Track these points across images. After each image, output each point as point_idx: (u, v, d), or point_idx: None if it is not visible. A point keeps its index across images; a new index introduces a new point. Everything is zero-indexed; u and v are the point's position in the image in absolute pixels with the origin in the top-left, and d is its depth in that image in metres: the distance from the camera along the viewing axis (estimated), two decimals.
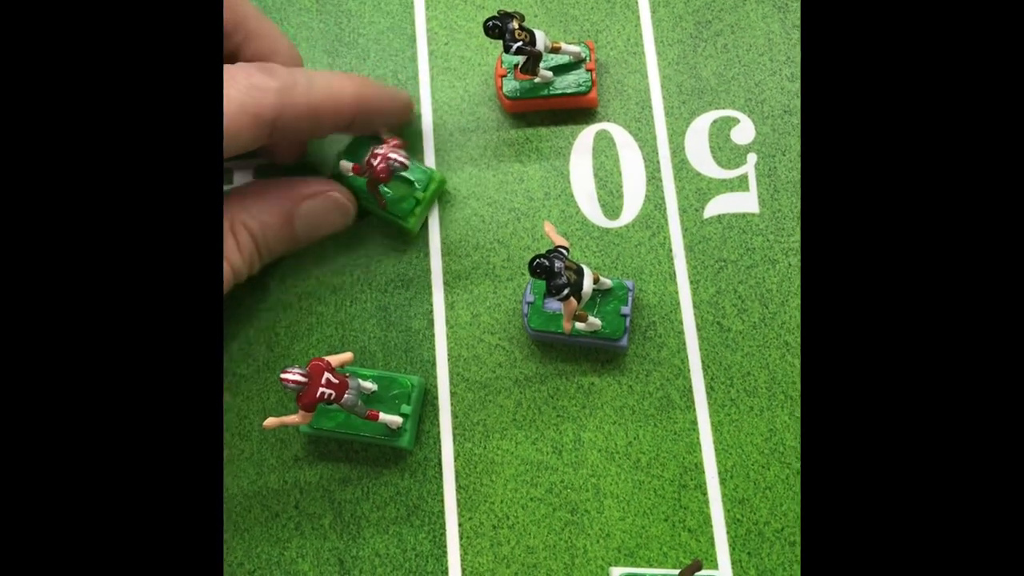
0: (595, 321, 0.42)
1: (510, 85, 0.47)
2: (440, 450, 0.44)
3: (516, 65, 0.46)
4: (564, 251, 0.39)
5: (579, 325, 0.42)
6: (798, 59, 0.48)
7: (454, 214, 0.47)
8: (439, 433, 0.44)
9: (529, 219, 0.47)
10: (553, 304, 0.43)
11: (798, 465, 0.42)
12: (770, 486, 0.42)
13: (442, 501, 0.43)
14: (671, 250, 0.45)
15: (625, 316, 0.43)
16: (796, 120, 0.47)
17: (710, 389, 0.43)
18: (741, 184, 0.46)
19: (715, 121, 0.47)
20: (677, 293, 0.45)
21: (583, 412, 0.43)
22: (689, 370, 0.44)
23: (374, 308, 0.46)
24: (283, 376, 0.37)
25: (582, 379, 0.44)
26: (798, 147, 0.46)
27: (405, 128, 0.48)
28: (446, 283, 0.46)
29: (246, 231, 0.42)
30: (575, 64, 0.47)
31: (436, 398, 0.44)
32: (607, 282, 0.43)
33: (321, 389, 0.38)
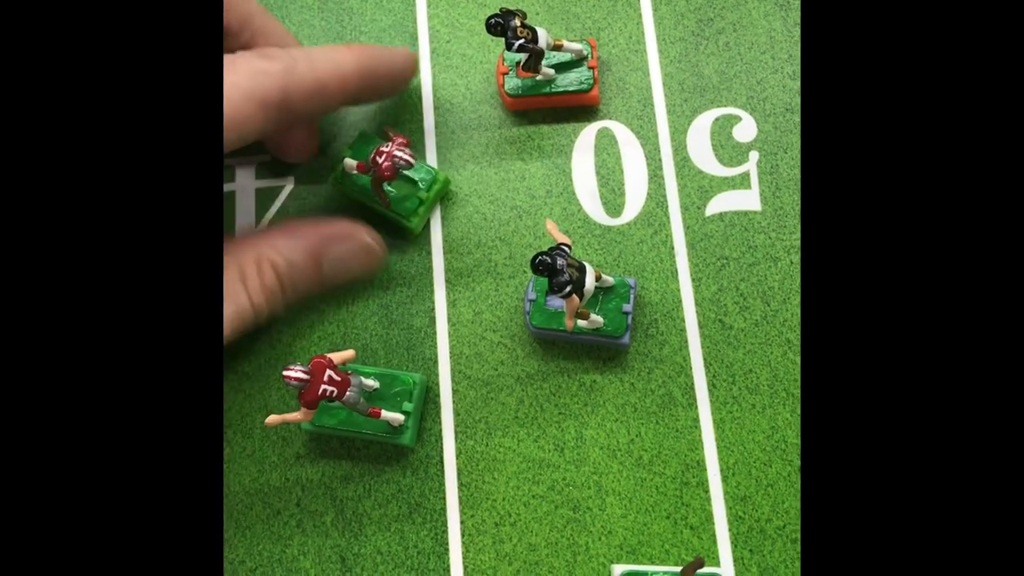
0: (597, 319, 0.42)
1: (512, 83, 0.47)
2: (442, 447, 0.44)
3: (518, 63, 0.46)
4: (566, 249, 0.39)
5: (581, 323, 0.42)
6: (800, 57, 0.48)
7: (456, 212, 0.47)
8: (441, 430, 0.44)
9: (531, 217, 0.47)
10: (555, 302, 0.43)
11: (800, 462, 0.42)
12: (772, 483, 0.42)
13: (444, 498, 0.43)
14: (673, 248, 0.45)
15: (627, 314, 0.43)
16: (798, 118, 0.47)
17: (712, 387, 0.43)
18: (743, 182, 0.46)
19: (717, 119, 0.47)
20: (679, 291, 0.45)
21: (585, 409, 0.43)
22: (691, 367, 0.44)
23: (376, 306, 0.46)
24: (285, 373, 0.37)
25: (584, 377, 0.44)
26: (800, 145, 0.46)
27: (408, 124, 0.49)
28: (448, 280, 0.46)
29: (272, 270, 0.41)
30: (577, 62, 0.47)
31: (438, 395, 0.44)
32: (609, 280, 0.43)
33: (323, 386, 0.38)
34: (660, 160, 0.47)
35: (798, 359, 0.43)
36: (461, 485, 0.43)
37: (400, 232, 0.47)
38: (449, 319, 0.46)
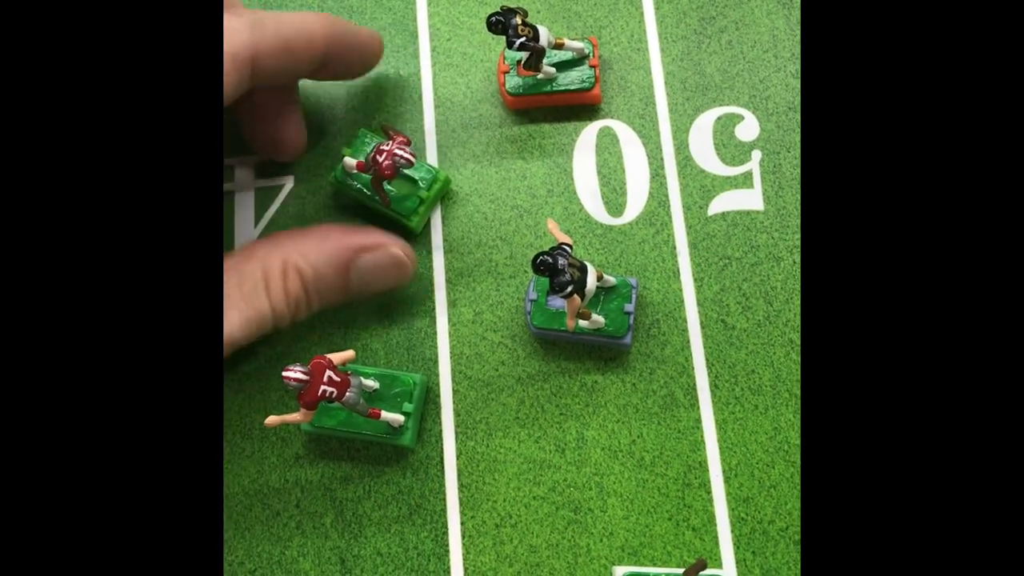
0: (598, 319, 0.42)
1: (513, 81, 0.47)
2: (442, 448, 0.44)
3: (519, 61, 0.46)
4: (568, 248, 0.39)
5: (582, 323, 0.42)
6: (801, 56, 0.47)
7: (456, 211, 0.47)
8: (441, 431, 0.44)
9: (532, 216, 0.46)
10: (556, 302, 0.43)
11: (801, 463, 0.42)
12: (774, 484, 0.42)
13: (444, 500, 0.43)
14: (675, 247, 0.45)
15: (629, 314, 0.42)
16: (800, 116, 0.47)
17: (714, 387, 0.43)
18: (745, 181, 0.46)
19: (719, 118, 0.47)
20: (681, 291, 0.45)
21: (586, 410, 0.43)
22: (693, 368, 0.43)
23: (376, 305, 0.46)
24: (285, 374, 0.37)
25: (585, 377, 0.44)
26: (800, 144, 0.46)
27: (408, 122, 0.48)
28: (448, 280, 0.46)
29: (298, 276, 0.40)
30: (578, 60, 0.47)
31: (438, 396, 0.44)
32: (611, 279, 0.42)
33: (323, 387, 0.38)
34: (662, 159, 0.47)
35: (800, 359, 0.43)
36: (461, 486, 0.43)
37: (400, 231, 0.47)
38: (449, 319, 0.45)
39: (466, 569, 0.42)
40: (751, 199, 0.46)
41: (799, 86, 0.47)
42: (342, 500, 0.43)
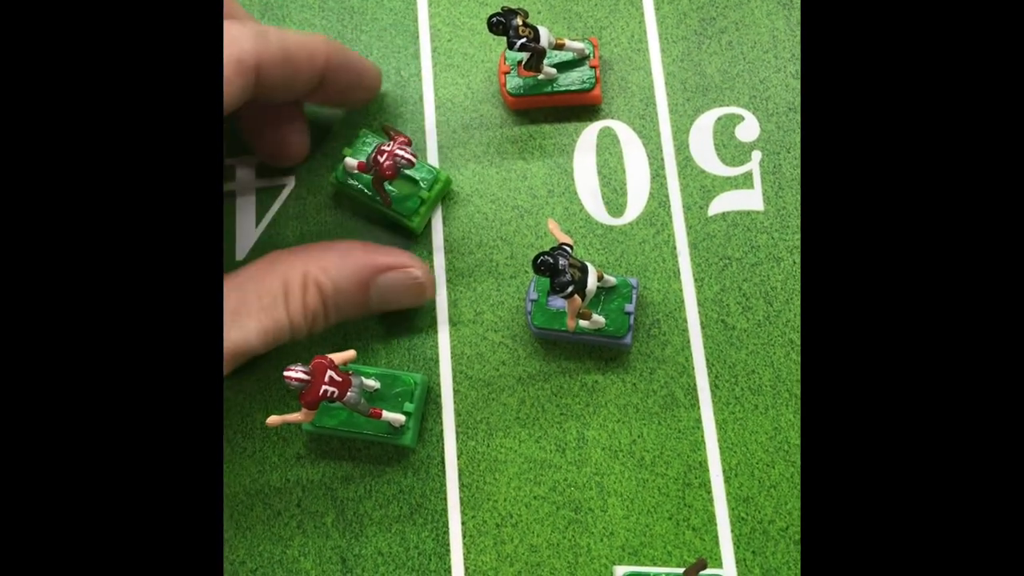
0: (599, 319, 0.42)
1: (513, 82, 0.47)
2: (443, 448, 0.44)
3: (520, 62, 0.46)
4: (568, 249, 0.39)
5: (583, 323, 0.42)
6: (801, 56, 0.47)
7: (457, 211, 0.47)
8: (442, 431, 0.44)
9: (533, 216, 0.47)
10: (557, 302, 0.43)
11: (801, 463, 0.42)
12: (775, 484, 0.42)
13: (445, 499, 0.43)
14: (675, 247, 0.45)
15: (629, 314, 0.42)
16: (800, 117, 0.47)
17: (714, 387, 0.43)
18: (745, 181, 0.46)
19: (719, 118, 0.47)
20: (681, 291, 0.45)
21: (587, 410, 0.43)
22: (693, 368, 0.43)
23: None
24: (286, 374, 0.37)
25: (586, 377, 0.44)
26: (800, 144, 0.46)
27: (409, 123, 0.48)
28: (449, 280, 0.46)
29: (318, 290, 0.41)
30: (579, 61, 0.47)
31: (439, 396, 0.44)
32: (611, 280, 0.43)
33: (324, 387, 0.38)
34: (662, 160, 0.47)
35: (800, 360, 0.43)
36: (462, 486, 0.43)
37: (401, 232, 0.47)
38: (450, 319, 0.45)
39: (467, 568, 0.42)
40: (751, 199, 0.46)
41: (799, 87, 0.47)
42: (343, 499, 0.43)
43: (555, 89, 0.47)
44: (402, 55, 0.50)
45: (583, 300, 0.39)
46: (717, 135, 0.47)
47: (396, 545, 0.42)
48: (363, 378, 0.41)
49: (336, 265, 0.41)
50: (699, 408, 0.43)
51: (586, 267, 0.39)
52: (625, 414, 0.43)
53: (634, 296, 0.43)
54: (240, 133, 0.48)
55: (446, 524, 0.42)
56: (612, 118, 0.48)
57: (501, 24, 0.43)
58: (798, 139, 0.46)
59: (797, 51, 0.48)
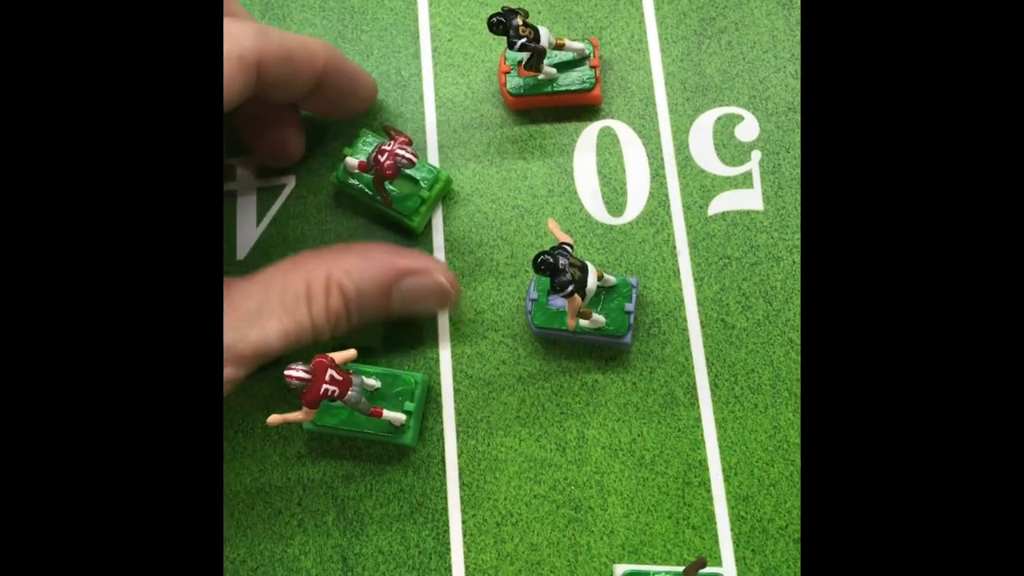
0: (599, 318, 0.42)
1: (514, 82, 0.47)
2: (443, 447, 0.44)
3: (520, 62, 0.46)
4: (568, 248, 0.39)
5: (583, 322, 0.42)
6: (801, 56, 0.47)
7: (458, 211, 0.47)
8: (442, 430, 0.44)
9: (533, 216, 0.47)
10: (557, 301, 0.43)
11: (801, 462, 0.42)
12: (774, 483, 0.42)
13: (445, 498, 0.43)
14: (675, 247, 0.45)
15: (629, 313, 0.43)
16: (800, 117, 0.47)
17: (714, 386, 0.43)
18: (745, 181, 0.46)
19: (719, 118, 0.47)
20: (681, 290, 0.45)
21: (587, 409, 0.43)
22: (693, 367, 0.43)
23: None
24: (287, 372, 0.37)
25: (586, 376, 0.44)
26: (800, 144, 0.46)
27: (409, 122, 0.48)
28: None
29: (340, 293, 0.40)
30: (579, 61, 0.47)
31: (439, 395, 0.44)
32: (611, 279, 0.43)
33: (324, 386, 0.38)
34: (662, 159, 0.47)
35: (800, 359, 0.43)
36: (463, 485, 0.43)
37: (402, 231, 0.47)
38: (450, 318, 0.45)
39: (467, 567, 0.42)
40: (751, 199, 0.46)
41: (799, 86, 0.47)
42: (344, 498, 0.43)
43: (555, 89, 0.47)
44: (402, 55, 0.50)
45: (583, 299, 0.39)
46: (717, 135, 0.47)
47: (397, 544, 0.42)
48: (364, 377, 0.41)
49: (359, 268, 0.41)
50: (699, 407, 0.43)
51: (586, 266, 0.39)
52: (625, 413, 0.43)
53: (634, 295, 0.43)
54: (236, 133, 0.48)
55: (446, 523, 0.43)
56: (612, 118, 0.48)
57: (501, 24, 0.43)
58: (798, 139, 0.46)
59: (796, 51, 0.48)
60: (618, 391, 0.43)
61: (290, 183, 0.49)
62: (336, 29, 0.51)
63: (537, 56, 0.45)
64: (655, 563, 0.41)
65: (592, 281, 0.39)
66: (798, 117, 0.47)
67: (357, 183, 0.46)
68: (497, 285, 0.46)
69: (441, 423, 0.44)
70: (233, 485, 0.44)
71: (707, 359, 0.44)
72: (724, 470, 0.42)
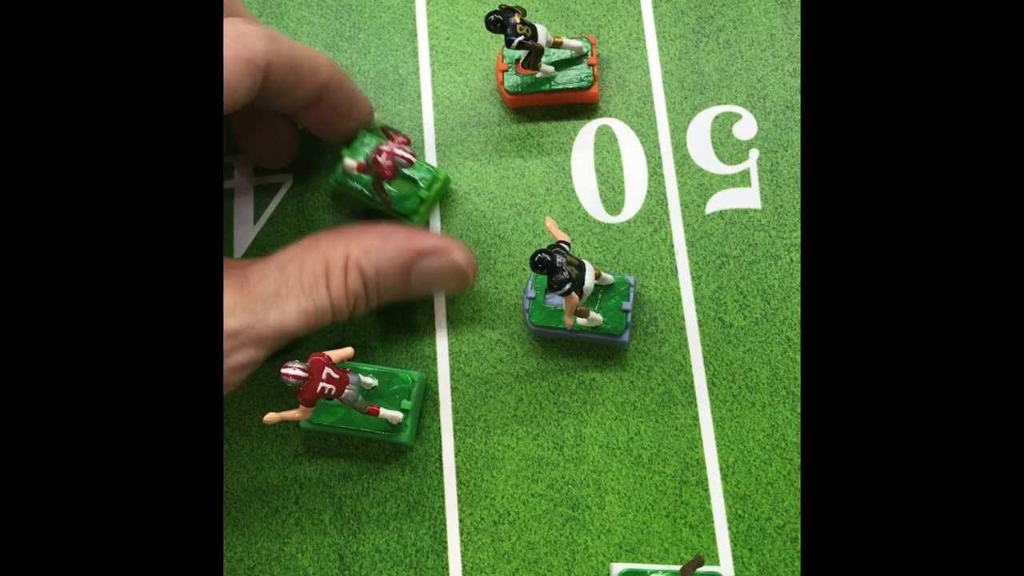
0: (596, 317, 0.42)
1: (511, 80, 0.47)
2: (441, 446, 0.44)
3: (517, 60, 0.46)
4: (566, 246, 0.39)
5: (580, 320, 0.42)
6: (800, 54, 0.47)
7: (455, 209, 0.47)
8: (440, 429, 0.44)
9: (530, 214, 0.47)
10: (554, 299, 0.43)
11: (800, 461, 0.42)
12: (772, 482, 0.42)
13: (443, 497, 0.43)
14: (673, 246, 0.45)
15: (626, 312, 0.43)
16: (798, 116, 0.47)
17: (712, 385, 0.43)
18: (743, 180, 0.46)
19: (717, 116, 0.47)
20: (679, 289, 0.45)
21: (584, 408, 0.43)
22: (691, 366, 0.43)
23: None
24: (283, 371, 0.37)
25: (583, 375, 0.44)
26: (800, 143, 0.46)
27: (407, 121, 0.48)
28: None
29: (359, 274, 0.41)
30: (577, 59, 0.47)
31: (437, 393, 0.44)
32: (609, 277, 0.43)
33: (321, 384, 0.38)
34: (660, 158, 0.47)
35: (798, 357, 0.43)
36: (460, 483, 0.43)
37: None
38: (448, 317, 0.45)
39: (464, 566, 0.42)
40: (748, 197, 0.46)
41: (797, 85, 0.47)
42: (341, 497, 0.43)
43: (553, 87, 0.47)
44: (400, 53, 0.50)
45: (581, 298, 0.39)
46: (715, 133, 0.47)
47: (394, 542, 0.42)
48: (361, 375, 0.41)
49: (377, 248, 0.41)
50: (696, 406, 0.43)
51: (583, 265, 0.39)
52: (623, 412, 0.43)
53: (631, 294, 0.43)
54: (230, 132, 0.48)
55: (444, 521, 0.43)
56: (610, 116, 0.48)
57: (499, 22, 0.43)
58: (795, 137, 0.46)
59: (794, 49, 0.48)
60: (616, 390, 0.43)
61: (287, 182, 0.49)
62: (334, 27, 0.51)
63: (535, 54, 0.45)
64: (652, 562, 0.41)
65: (589, 279, 0.39)
66: (796, 115, 0.47)
67: (356, 184, 0.45)
68: (495, 283, 0.46)
69: (438, 421, 0.44)
70: (231, 483, 0.44)
71: (705, 358, 0.44)
72: (722, 469, 0.42)
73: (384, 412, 0.41)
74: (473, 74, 0.49)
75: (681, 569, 0.39)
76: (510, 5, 0.44)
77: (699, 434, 0.43)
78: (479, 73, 0.49)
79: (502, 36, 0.44)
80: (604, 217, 0.46)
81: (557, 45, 0.45)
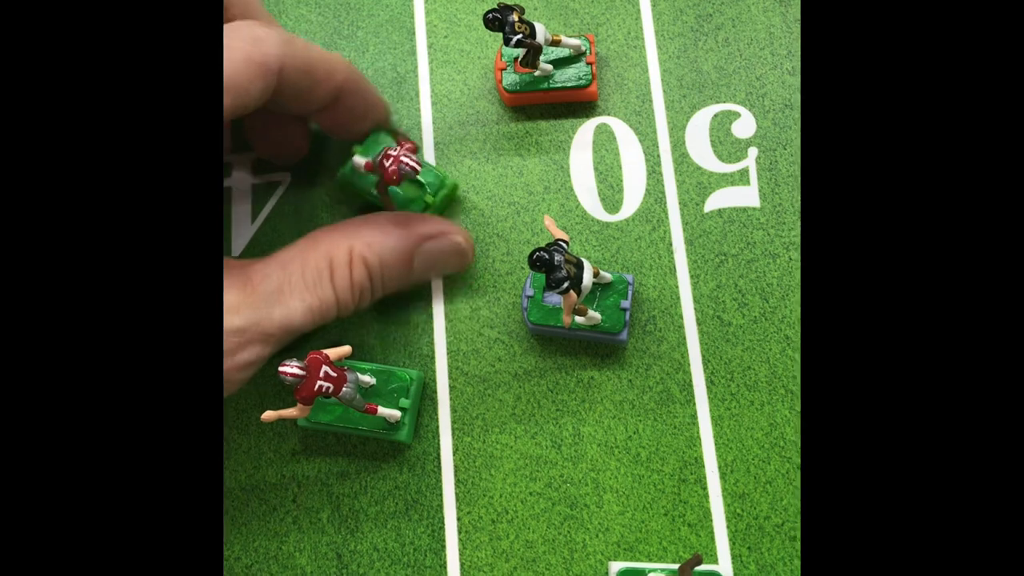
0: (595, 315, 0.42)
1: (510, 78, 0.47)
2: (439, 444, 0.44)
3: (516, 58, 0.46)
4: (564, 245, 0.39)
5: (579, 319, 0.42)
6: (799, 53, 0.47)
7: (454, 208, 0.47)
8: (438, 427, 0.44)
9: (529, 213, 0.47)
10: (553, 298, 0.43)
11: (799, 459, 0.42)
12: (770, 480, 0.42)
13: (441, 495, 0.43)
14: (671, 244, 0.45)
15: (625, 310, 0.42)
16: (797, 114, 0.47)
17: (710, 383, 0.43)
18: (742, 178, 0.46)
19: (716, 115, 0.47)
20: (677, 287, 0.45)
21: (582, 406, 0.43)
22: (689, 364, 0.43)
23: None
24: (281, 369, 0.37)
25: (582, 373, 0.44)
26: (799, 141, 0.46)
27: (406, 119, 0.48)
28: (445, 276, 0.46)
29: (364, 266, 0.41)
30: (575, 57, 0.47)
31: (435, 392, 0.44)
32: (607, 276, 0.43)
33: (319, 382, 0.38)
34: (658, 156, 0.47)
35: (796, 356, 0.43)
36: (458, 482, 0.43)
37: None
38: (446, 315, 0.45)
39: (462, 564, 0.42)
40: (747, 196, 0.46)
41: (795, 83, 0.47)
42: (339, 495, 0.43)
43: (551, 86, 0.47)
44: (398, 51, 0.50)
45: (579, 296, 0.39)
46: (713, 132, 0.47)
47: (392, 541, 0.42)
48: (359, 374, 0.41)
49: (379, 239, 0.42)
50: (695, 404, 0.43)
51: (582, 263, 0.39)
52: (621, 410, 0.43)
53: (630, 292, 0.43)
54: (242, 128, 0.48)
55: (442, 520, 0.42)
56: (608, 115, 0.48)
57: (497, 20, 0.43)
58: (794, 136, 0.46)
59: (793, 48, 0.48)
60: (614, 388, 0.43)
61: (285, 180, 0.49)
62: (332, 25, 0.51)
63: (533, 52, 0.44)
64: (651, 560, 0.41)
65: (588, 278, 0.39)
66: (794, 114, 0.47)
67: (363, 182, 0.45)
68: (493, 282, 0.46)
69: (436, 420, 0.44)
70: (228, 482, 0.44)
71: (703, 356, 0.44)
72: (720, 467, 0.42)
73: (382, 410, 0.41)
74: (471, 72, 0.49)
75: (679, 568, 0.39)
76: (508, 3, 0.44)
77: (697, 432, 0.43)
78: (477, 71, 0.49)
79: (500, 34, 0.44)
80: (602, 215, 0.46)
81: (555, 43, 0.45)
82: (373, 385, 0.42)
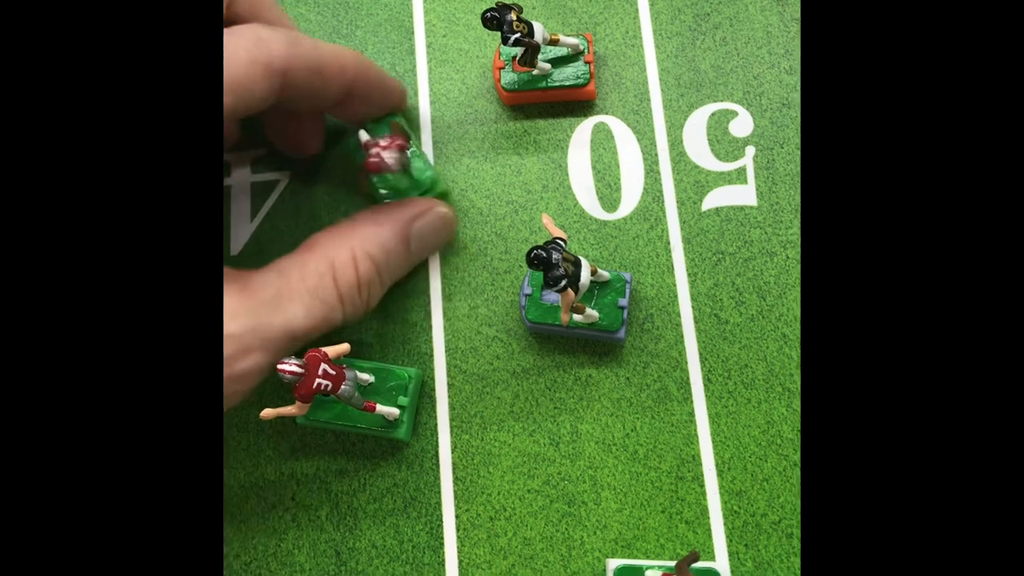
0: (593, 313, 0.42)
1: (508, 77, 0.47)
2: (437, 442, 0.44)
3: (514, 57, 0.46)
4: (562, 243, 0.39)
5: (577, 317, 0.42)
6: (797, 52, 0.48)
7: (452, 206, 0.47)
8: (436, 425, 0.44)
9: (527, 211, 0.47)
10: (551, 296, 0.43)
11: (796, 457, 0.42)
12: (767, 478, 0.42)
13: (439, 493, 0.43)
14: (669, 242, 0.45)
15: (623, 308, 0.43)
16: (794, 113, 0.47)
17: (707, 381, 0.43)
18: (739, 177, 0.46)
19: (713, 114, 0.47)
20: (675, 285, 0.45)
21: (580, 404, 0.43)
22: (687, 362, 0.44)
23: None
24: (280, 366, 0.37)
25: (579, 371, 0.44)
26: (796, 140, 0.46)
27: (404, 119, 0.48)
28: (443, 275, 0.46)
29: (370, 261, 0.41)
30: (573, 56, 0.47)
31: (433, 390, 0.44)
32: (605, 274, 0.43)
33: (318, 380, 0.38)
34: (656, 155, 0.47)
35: (794, 354, 0.43)
36: (456, 479, 0.43)
37: None
38: (444, 313, 0.46)
39: (460, 561, 0.42)
40: (745, 195, 0.46)
41: (793, 82, 0.47)
42: (337, 493, 0.43)
43: (549, 84, 0.47)
44: (397, 50, 0.50)
45: (577, 294, 0.39)
46: (711, 130, 0.47)
47: (390, 538, 0.43)
48: (357, 372, 0.41)
49: (375, 233, 0.42)
50: (692, 402, 0.43)
51: (580, 261, 0.39)
52: (618, 408, 0.43)
53: (628, 291, 0.43)
54: (260, 123, 0.48)
55: (440, 517, 0.43)
56: (606, 113, 0.48)
57: (495, 19, 0.43)
58: (792, 134, 0.47)
59: (791, 47, 0.48)
60: (611, 386, 0.44)
61: (284, 179, 0.49)
62: (331, 24, 0.51)
63: (531, 51, 0.45)
64: (648, 558, 0.41)
65: (586, 276, 0.39)
66: (792, 113, 0.47)
67: (360, 158, 0.45)
68: (491, 280, 0.46)
69: (435, 418, 0.44)
70: (227, 480, 0.44)
71: (700, 354, 0.44)
72: (717, 465, 0.42)
73: (380, 408, 0.41)
74: (470, 71, 0.49)
75: (676, 565, 0.39)
76: (507, 2, 0.44)
77: (695, 430, 0.43)
78: (476, 70, 0.49)
79: (499, 33, 0.44)
80: (600, 214, 0.46)
81: (554, 42, 0.46)
82: (372, 383, 0.42)
